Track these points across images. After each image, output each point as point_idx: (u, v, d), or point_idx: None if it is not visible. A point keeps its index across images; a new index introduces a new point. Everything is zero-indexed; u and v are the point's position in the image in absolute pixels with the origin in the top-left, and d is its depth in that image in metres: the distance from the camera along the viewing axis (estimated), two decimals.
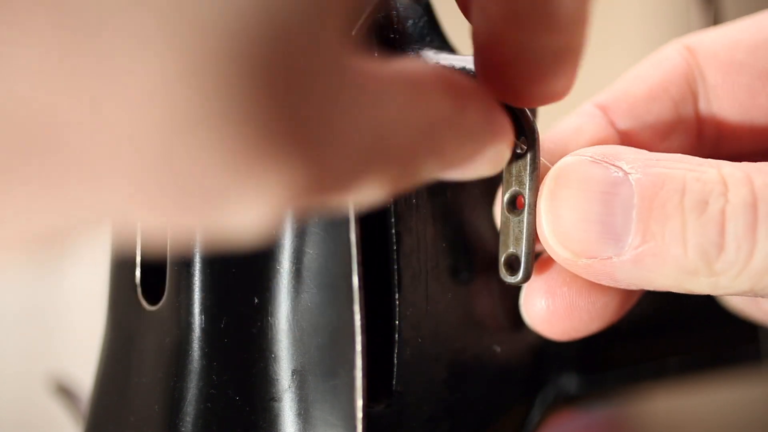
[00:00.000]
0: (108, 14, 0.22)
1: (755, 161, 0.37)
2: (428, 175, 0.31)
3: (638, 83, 0.42)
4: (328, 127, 0.26)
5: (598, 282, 0.38)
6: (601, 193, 0.37)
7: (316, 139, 0.25)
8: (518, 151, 0.38)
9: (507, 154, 0.35)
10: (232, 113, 0.23)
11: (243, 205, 0.25)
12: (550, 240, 0.37)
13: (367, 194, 0.28)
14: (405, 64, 0.30)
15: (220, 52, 0.23)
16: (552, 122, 0.41)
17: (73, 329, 1.11)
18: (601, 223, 0.37)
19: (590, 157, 0.37)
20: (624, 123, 0.42)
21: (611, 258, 0.37)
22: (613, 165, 0.37)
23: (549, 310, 0.40)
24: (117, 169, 0.23)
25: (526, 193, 0.38)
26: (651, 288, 0.37)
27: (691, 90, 0.43)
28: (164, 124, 0.23)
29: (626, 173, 0.37)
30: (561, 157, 0.38)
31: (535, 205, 0.37)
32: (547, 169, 0.38)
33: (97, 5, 0.22)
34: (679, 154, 0.38)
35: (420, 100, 0.29)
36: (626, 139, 0.42)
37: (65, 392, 0.49)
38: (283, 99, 0.24)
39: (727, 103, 0.43)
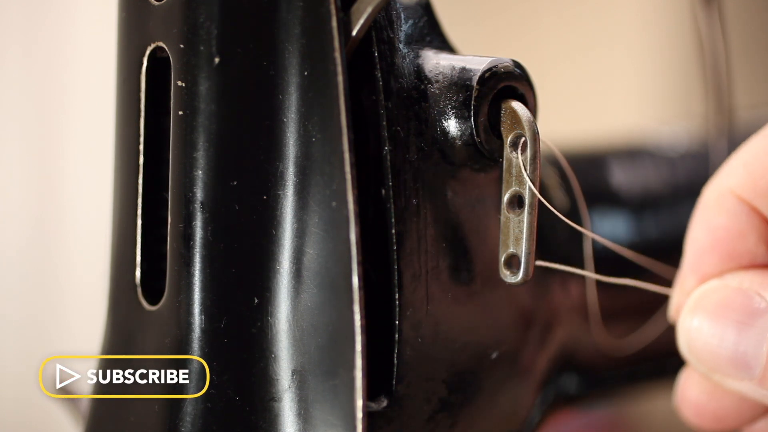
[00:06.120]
0: None
1: None
2: None
3: None
4: None
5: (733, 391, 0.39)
6: (737, 322, 0.38)
7: None
8: (518, 151, 0.38)
9: None
10: None
11: None
12: (687, 355, 0.39)
13: None
14: None
15: None
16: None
17: (73, 330, 1.11)
18: (733, 350, 0.38)
19: (736, 285, 0.38)
20: None
21: (740, 379, 0.38)
22: (759, 294, 0.38)
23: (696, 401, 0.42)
24: None
25: (526, 193, 0.38)
26: None
27: None
28: None
29: None
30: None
31: (535, 205, 0.37)
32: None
33: None
34: None
35: None
36: None
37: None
38: None
39: None
